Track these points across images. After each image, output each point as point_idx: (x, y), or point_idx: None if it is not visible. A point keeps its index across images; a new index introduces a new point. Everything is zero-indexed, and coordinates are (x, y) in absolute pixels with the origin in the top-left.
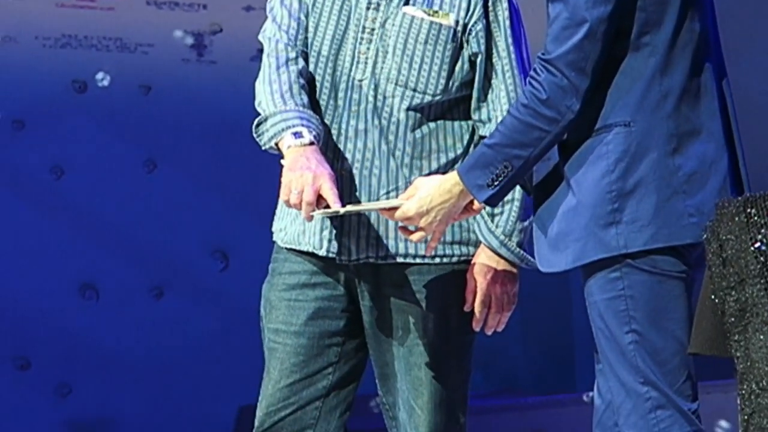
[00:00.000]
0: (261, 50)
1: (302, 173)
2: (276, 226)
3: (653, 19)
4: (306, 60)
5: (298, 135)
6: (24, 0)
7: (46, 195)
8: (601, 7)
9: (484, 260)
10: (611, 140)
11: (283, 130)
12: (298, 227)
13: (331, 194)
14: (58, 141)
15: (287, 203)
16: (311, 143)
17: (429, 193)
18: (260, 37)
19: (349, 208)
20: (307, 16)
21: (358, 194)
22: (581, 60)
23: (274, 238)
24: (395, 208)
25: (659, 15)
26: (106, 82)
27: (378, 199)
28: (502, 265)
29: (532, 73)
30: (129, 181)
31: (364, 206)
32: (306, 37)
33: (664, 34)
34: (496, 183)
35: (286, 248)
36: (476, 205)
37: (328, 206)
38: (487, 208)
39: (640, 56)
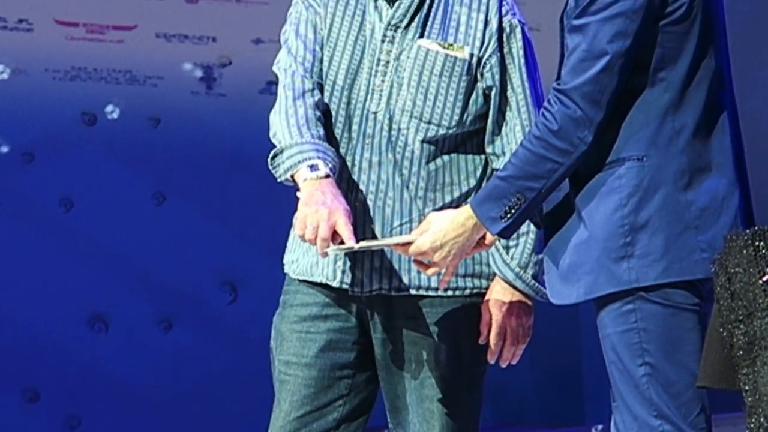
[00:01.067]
0: (270, 82)
1: (318, 208)
2: (288, 257)
3: (670, 54)
4: (321, 92)
5: (314, 168)
6: (34, 33)
7: (56, 227)
8: (621, 41)
9: (499, 293)
10: (624, 174)
11: (299, 162)
12: (311, 259)
13: (346, 230)
14: (67, 173)
15: (302, 238)
16: (327, 176)
17: (442, 227)
18: (275, 68)
19: (363, 244)
20: (322, 48)
21: (371, 226)
22: (597, 92)
23: (286, 270)
24: (409, 243)
25: (676, 51)
26: (115, 115)
27: (391, 232)
28: (517, 297)
29: (545, 104)
30: (138, 213)
31: (378, 242)
32: (321, 69)
33: (680, 69)
34: (509, 215)
35: (298, 280)
36: (489, 239)
37: (342, 242)
38: (502, 240)
39: (655, 91)
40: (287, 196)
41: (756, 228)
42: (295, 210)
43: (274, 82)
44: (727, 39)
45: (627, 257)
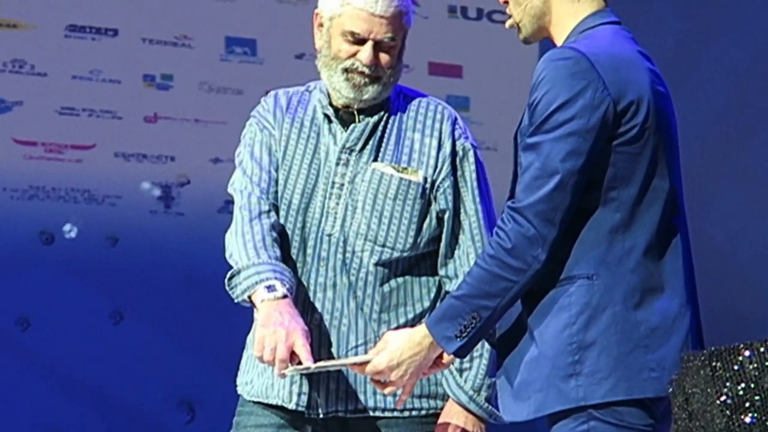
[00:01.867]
0: (228, 202)
1: (275, 329)
2: (241, 379)
3: (622, 174)
4: (277, 213)
5: (271, 288)
6: None
7: (12, 346)
8: (574, 160)
9: (453, 415)
10: (574, 292)
11: (256, 283)
12: (266, 380)
13: (303, 351)
14: (24, 292)
15: (260, 359)
16: (284, 296)
17: (399, 346)
18: (230, 190)
19: (321, 364)
20: (277, 170)
21: (328, 346)
22: (550, 210)
23: (240, 391)
24: (366, 363)
25: (628, 171)
26: (73, 234)
27: (347, 352)
28: (470, 420)
29: (499, 222)
30: (95, 333)
31: (336, 362)
32: (277, 191)
33: (632, 190)
34: (464, 334)
35: (252, 401)
36: (446, 358)
37: (300, 363)
38: (456, 363)
39: (606, 210)
40: (244, 316)
41: (713, 348)
42: (248, 331)
43: (232, 202)
44: (679, 162)
45: (575, 375)
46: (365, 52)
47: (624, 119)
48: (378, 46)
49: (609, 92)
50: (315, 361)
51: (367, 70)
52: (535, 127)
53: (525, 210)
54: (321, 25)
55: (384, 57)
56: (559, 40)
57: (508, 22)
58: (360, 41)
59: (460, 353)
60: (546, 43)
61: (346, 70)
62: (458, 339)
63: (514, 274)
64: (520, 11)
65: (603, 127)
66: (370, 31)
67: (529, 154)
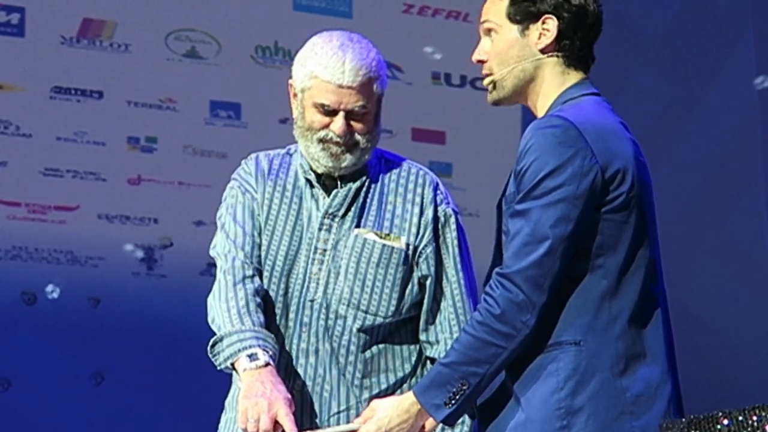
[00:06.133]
0: (211, 265)
1: (257, 401)
2: None
3: (609, 242)
4: (261, 277)
5: (253, 357)
6: None
7: None
8: (563, 226)
9: None
10: (562, 358)
11: (239, 351)
12: None
13: (287, 420)
14: (5, 353)
15: (244, 431)
16: (266, 364)
17: (387, 414)
18: (212, 253)
19: None
20: (260, 234)
21: (311, 412)
22: (540, 276)
23: None
24: (354, 431)
25: (615, 239)
26: (55, 295)
27: (329, 419)
28: None
29: (487, 288)
30: (77, 394)
31: (323, 431)
32: (260, 255)
33: (618, 257)
34: (453, 402)
35: None
36: (428, 426)
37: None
38: (438, 430)
39: (593, 277)
40: (225, 378)
41: (692, 416)
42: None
43: (214, 265)
44: (657, 232)
45: None
46: (337, 122)
47: (611, 187)
48: (351, 115)
49: (597, 160)
50: (299, 430)
51: (341, 140)
52: (524, 194)
53: (514, 276)
54: (295, 95)
55: (357, 125)
56: (540, 108)
57: (486, 80)
58: (331, 112)
59: (449, 421)
60: (529, 111)
61: (321, 140)
62: (447, 407)
63: (503, 339)
64: (505, 71)
65: (591, 194)
66: (339, 102)
67: (518, 220)
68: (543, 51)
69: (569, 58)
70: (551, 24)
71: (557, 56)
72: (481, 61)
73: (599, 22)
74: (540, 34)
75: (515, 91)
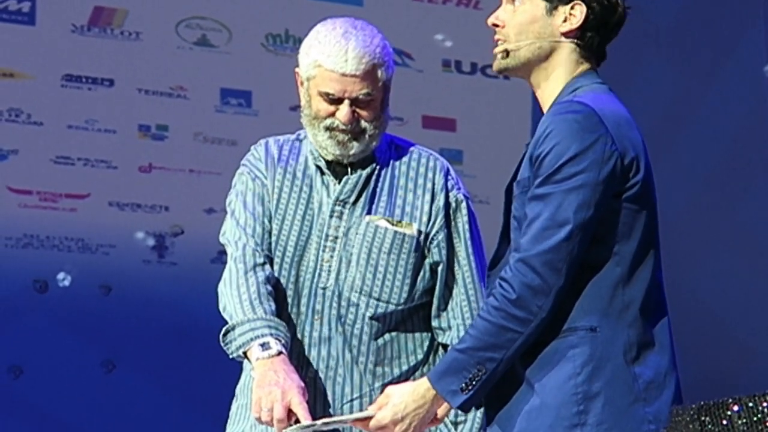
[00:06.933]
0: (222, 252)
1: (270, 390)
2: (231, 429)
3: (623, 230)
4: (272, 265)
5: (265, 346)
6: None
7: (4, 394)
8: (584, 211)
9: None
10: (577, 343)
11: (251, 340)
12: None
13: (300, 409)
14: (17, 341)
15: (258, 420)
16: (279, 353)
17: (402, 400)
18: (222, 240)
19: (324, 421)
20: (270, 221)
21: (324, 400)
22: (559, 261)
23: None
24: (369, 418)
25: (629, 227)
26: (67, 282)
27: (343, 407)
28: None
29: (502, 273)
30: (88, 381)
31: (337, 419)
32: (270, 242)
33: (632, 245)
34: (470, 387)
35: None
36: (440, 413)
37: (297, 421)
38: (451, 416)
39: (609, 264)
40: (235, 366)
41: (702, 403)
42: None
43: (225, 252)
44: (658, 224)
45: (580, 425)
46: (343, 110)
47: (630, 174)
48: (356, 103)
49: (617, 147)
50: (315, 419)
51: (348, 128)
52: (544, 178)
53: (532, 259)
54: (302, 83)
55: (363, 112)
56: (545, 90)
57: (500, 47)
58: (337, 101)
59: (466, 407)
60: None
61: (328, 129)
62: (464, 392)
63: (519, 324)
64: (522, 41)
65: (611, 181)
66: (344, 90)
67: (537, 204)
68: (565, 35)
69: (586, 49)
70: (579, 11)
71: (576, 44)
72: (496, 25)
73: (621, 23)
74: (566, 17)
75: (525, 65)
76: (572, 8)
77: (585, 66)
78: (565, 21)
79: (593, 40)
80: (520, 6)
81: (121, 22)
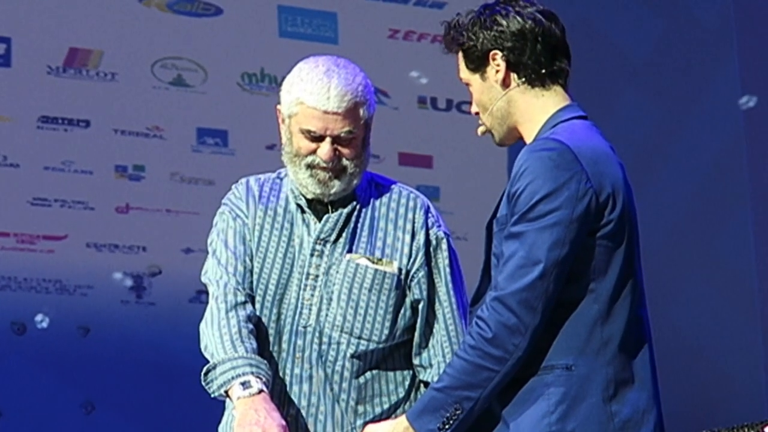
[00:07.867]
0: (200, 292)
1: (251, 429)
2: None
3: (600, 267)
4: (253, 303)
5: (246, 385)
6: None
7: None
8: (558, 249)
9: None
10: (552, 382)
11: (232, 378)
12: None
13: None
14: None
15: None
16: (260, 392)
17: None
18: (203, 279)
19: None
20: (252, 259)
21: None
22: (534, 299)
23: None
24: None
25: (605, 264)
26: (45, 324)
27: None
28: None
29: (479, 312)
30: (67, 423)
31: None
32: (252, 281)
33: (608, 282)
34: (447, 426)
35: None
36: None
37: None
38: None
39: (585, 302)
40: (216, 405)
41: None
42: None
43: (204, 291)
44: (641, 258)
45: None
46: (324, 148)
47: (605, 212)
48: (338, 140)
49: (592, 184)
50: None
51: (329, 165)
52: (519, 217)
53: (508, 298)
54: (283, 121)
55: (345, 150)
56: (529, 135)
57: (480, 129)
58: (318, 138)
59: None
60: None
61: (309, 166)
62: (441, 431)
63: (495, 363)
64: (488, 117)
65: (586, 218)
66: (325, 128)
67: (512, 243)
68: (505, 85)
69: (532, 81)
70: (498, 57)
71: (519, 84)
72: (477, 113)
73: (549, 32)
74: (495, 71)
75: (506, 131)
76: (493, 60)
77: (550, 95)
78: (496, 74)
79: (529, 68)
80: (471, 90)
81: (96, 63)
